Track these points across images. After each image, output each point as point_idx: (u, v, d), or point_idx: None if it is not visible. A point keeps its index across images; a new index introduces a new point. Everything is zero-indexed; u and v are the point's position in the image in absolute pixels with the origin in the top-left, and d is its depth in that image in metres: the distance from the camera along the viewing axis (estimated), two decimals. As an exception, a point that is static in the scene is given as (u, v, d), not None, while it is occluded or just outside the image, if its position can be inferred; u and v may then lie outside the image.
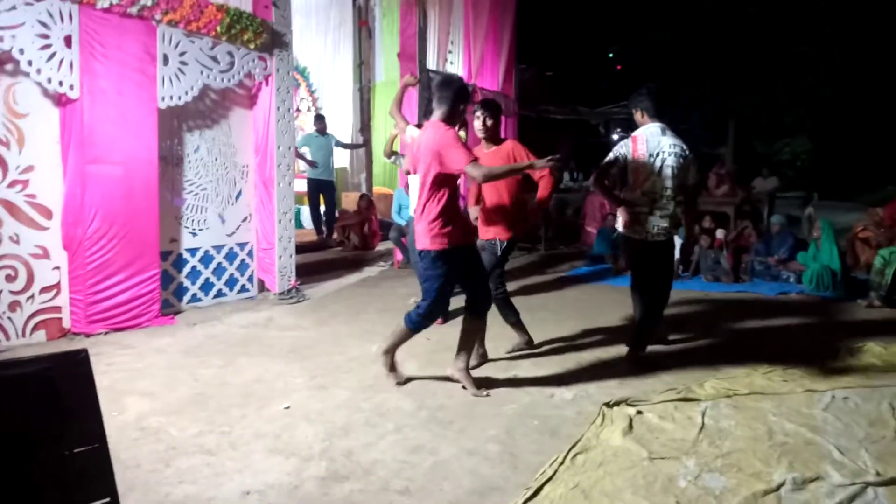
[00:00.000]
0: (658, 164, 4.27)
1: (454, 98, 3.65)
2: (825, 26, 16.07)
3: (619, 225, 4.52)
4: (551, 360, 4.43)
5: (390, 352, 3.91)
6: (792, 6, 16.05)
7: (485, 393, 3.77)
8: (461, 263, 3.71)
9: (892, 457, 2.94)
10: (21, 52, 4.44)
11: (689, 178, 4.39)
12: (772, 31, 16.27)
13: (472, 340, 3.89)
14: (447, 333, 5.09)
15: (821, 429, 3.26)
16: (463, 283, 3.85)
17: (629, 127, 15.21)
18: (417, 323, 3.78)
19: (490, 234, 4.40)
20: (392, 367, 3.94)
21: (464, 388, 3.82)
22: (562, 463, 2.88)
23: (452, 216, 3.64)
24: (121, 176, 5.06)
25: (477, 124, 4.36)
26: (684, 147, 4.32)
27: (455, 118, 3.71)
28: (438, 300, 3.72)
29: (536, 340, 4.78)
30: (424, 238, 3.64)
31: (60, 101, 4.78)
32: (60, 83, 4.65)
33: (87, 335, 4.87)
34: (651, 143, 4.28)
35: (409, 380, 3.98)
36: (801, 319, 5.82)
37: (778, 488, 2.66)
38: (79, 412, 2.18)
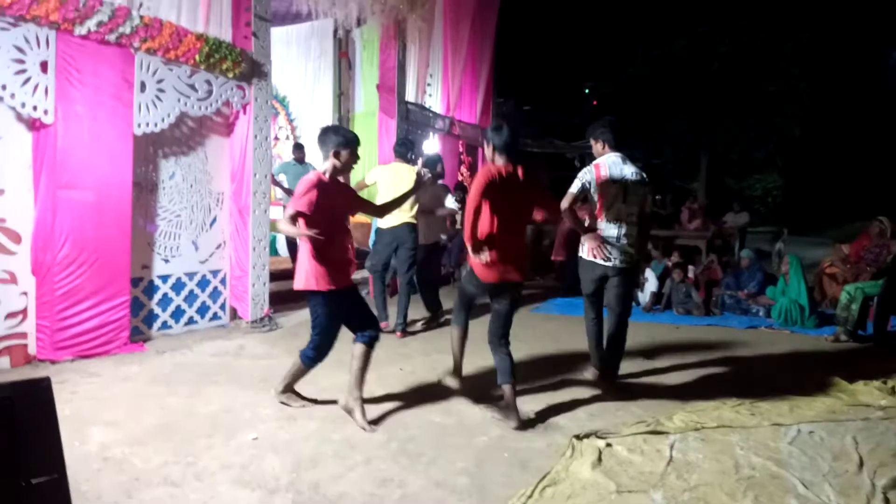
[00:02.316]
0: (621, 190, 4.39)
1: (324, 146, 3.84)
2: (793, 66, 16.61)
3: (584, 253, 4.58)
4: (523, 392, 4.42)
5: (288, 390, 4.08)
6: (761, 47, 16.58)
7: (372, 429, 3.71)
8: (342, 304, 3.83)
9: (855, 490, 2.98)
10: (-4, 76, 4.42)
11: (647, 207, 4.51)
12: (742, 70, 16.77)
13: (366, 370, 3.89)
14: (420, 363, 5.08)
15: (786, 462, 3.30)
16: (349, 322, 3.89)
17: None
18: (311, 359, 3.95)
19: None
20: (290, 390, 4.09)
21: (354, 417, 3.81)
22: (530, 496, 2.88)
23: (325, 258, 3.70)
24: (93, 201, 5.02)
25: None
26: (644, 175, 4.49)
27: (331, 168, 3.82)
28: (324, 337, 3.88)
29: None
30: (300, 278, 3.76)
31: (34, 125, 4.75)
32: (35, 108, 4.62)
33: (53, 362, 4.77)
34: (614, 170, 4.43)
35: (315, 401, 4.09)
36: (769, 353, 5.90)
37: (743, 522, 2.69)
38: (38, 441, 2.14)
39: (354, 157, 3.89)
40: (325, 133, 3.91)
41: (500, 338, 4.00)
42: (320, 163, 3.93)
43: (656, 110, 17.85)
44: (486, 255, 3.76)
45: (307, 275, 3.72)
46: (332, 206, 3.74)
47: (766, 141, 18.08)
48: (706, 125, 17.52)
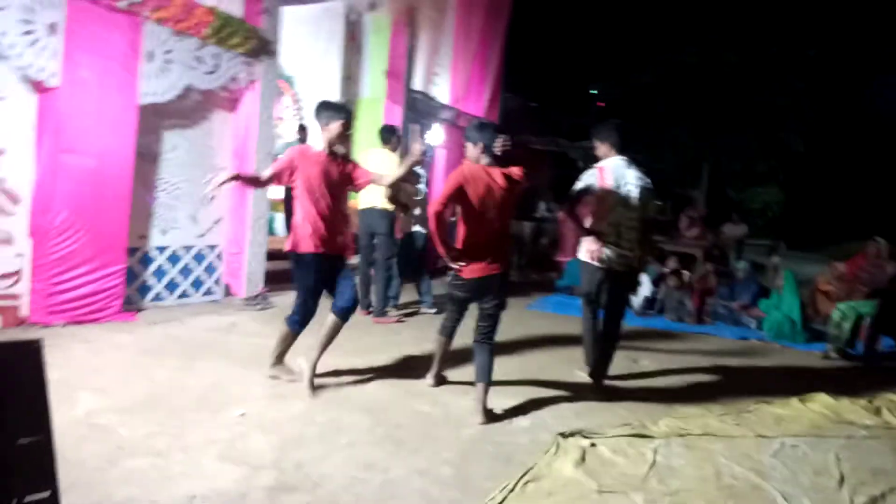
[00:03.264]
0: (623, 195, 4.38)
1: (318, 120, 4.07)
2: (799, 81, 16.63)
3: (583, 255, 4.58)
4: (511, 388, 4.44)
5: (279, 362, 4.23)
6: (768, 60, 16.58)
7: (312, 394, 3.95)
8: (321, 270, 4.02)
9: (834, 506, 3.01)
10: (3, 34, 4.39)
11: (649, 212, 4.50)
12: (749, 82, 16.77)
13: (330, 338, 4.08)
14: (412, 352, 5.09)
15: (768, 475, 3.32)
16: (328, 288, 4.11)
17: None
18: (296, 322, 4.10)
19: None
20: (281, 361, 4.24)
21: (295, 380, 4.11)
22: (511, 490, 2.89)
23: (306, 222, 3.99)
24: (94, 168, 5.00)
25: None
26: (648, 181, 4.46)
27: (324, 141, 4.05)
28: (302, 300, 4.06)
29: (498, 367, 4.82)
30: (288, 241, 4.10)
31: (39, 87, 4.73)
32: (42, 70, 4.61)
33: (45, 325, 4.77)
34: (617, 174, 4.40)
35: (318, 386, 4.10)
36: (758, 365, 5.92)
37: (721, 530, 2.70)
38: (26, 403, 2.14)
39: (345, 129, 4.08)
40: (318, 108, 4.13)
41: (485, 336, 3.95)
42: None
43: (661, 116, 17.84)
44: (461, 265, 3.83)
45: (291, 237, 4.04)
46: (314, 175, 3.97)
47: (768, 154, 18.09)
48: (710, 134, 17.52)
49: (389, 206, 6.17)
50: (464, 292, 3.98)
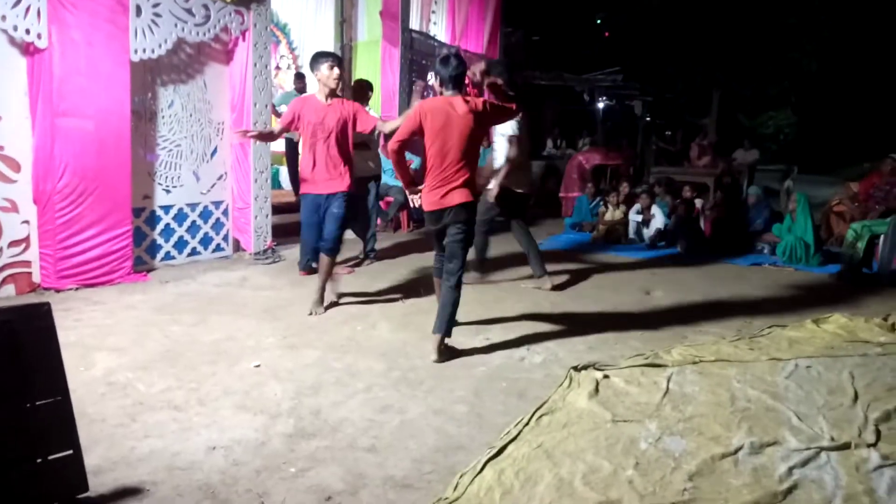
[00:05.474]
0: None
1: (311, 70, 4.59)
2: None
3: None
4: (523, 325, 4.46)
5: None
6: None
7: (315, 312, 4.54)
8: (309, 209, 4.65)
9: (848, 423, 3.02)
10: (-15, -3, 4.30)
11: None
12: (759, 1, 16.19)
13: (321, 274, 4.65)
14: (420, 296, 5.11)
15: (782, 396, 3.33)
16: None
17: (614, 95, 14.93)
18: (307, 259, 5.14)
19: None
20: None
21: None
22: (527, 424, 2.92)
23: (303, 167, 4.63)
24: (92, 130, 4.95)
25: None
26: None
27: (319, 87, 4.56)
28: (301, 234, 4.98)
29: (511, 306, 4.84)
30: None
31: (28, 50, 4.64)
32: (27, 31, 4.51)
33: (58, 290, 4.82)
34: None
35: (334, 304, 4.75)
36: (772, 289, 5.90)
37: (735, 452, 2.72)
38: (41, 365, 2.17)
39: (331, 74, 4.46)
40: (310, 61, 4.60)
41: (447, 273, 3.83)
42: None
43: (670, 42, 17.33)
44: (417, 194, 3.92)
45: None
46: (315, 121, 4.47)
47: (780, 77, 17.60)
48: (721, 59, 17.03)
49: None
50: (429, 225, 3.99)
